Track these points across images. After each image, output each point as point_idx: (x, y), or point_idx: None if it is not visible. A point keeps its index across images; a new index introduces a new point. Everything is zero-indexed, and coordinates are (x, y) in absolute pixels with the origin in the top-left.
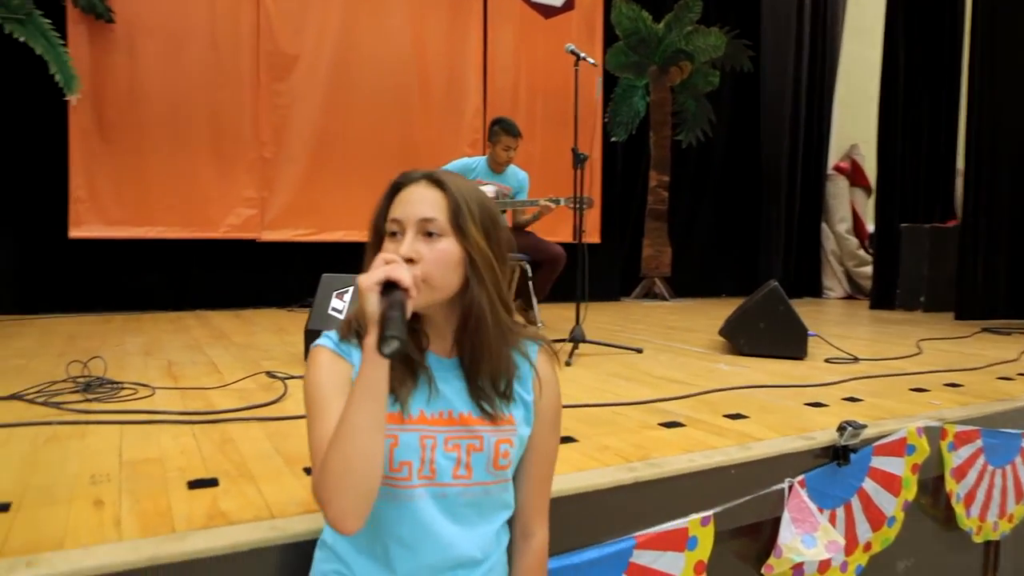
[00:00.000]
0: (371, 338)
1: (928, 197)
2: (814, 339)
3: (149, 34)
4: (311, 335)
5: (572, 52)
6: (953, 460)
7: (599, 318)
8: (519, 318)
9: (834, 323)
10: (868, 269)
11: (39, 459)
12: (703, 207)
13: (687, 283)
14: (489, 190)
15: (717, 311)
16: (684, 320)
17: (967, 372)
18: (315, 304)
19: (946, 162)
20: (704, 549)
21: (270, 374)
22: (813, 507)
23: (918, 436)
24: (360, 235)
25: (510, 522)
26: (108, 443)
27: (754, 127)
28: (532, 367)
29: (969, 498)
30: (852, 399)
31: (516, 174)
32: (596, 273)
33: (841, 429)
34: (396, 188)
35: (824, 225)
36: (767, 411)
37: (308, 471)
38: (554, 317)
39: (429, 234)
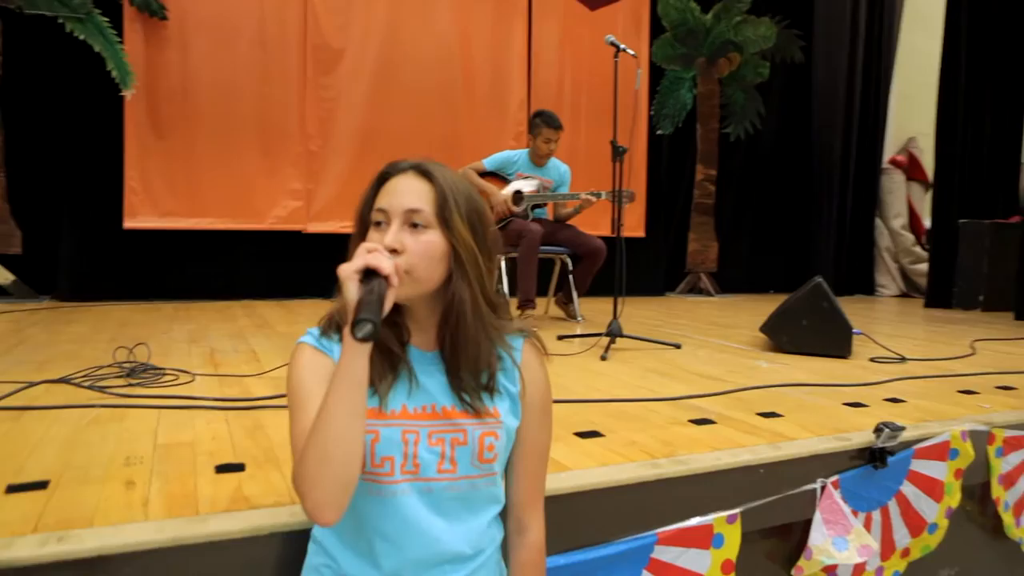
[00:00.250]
0: (348, 323)
1: (989, 192)
2: (860, 338)
3: (200, 30)
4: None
5: (612, 43)
6: (1001, 466)
7: (641, 313)
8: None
9: (885, 321)
10: (924, 266)
11: (80, 440)
12: (751, 201)
13: (734, 279)
14: (531, 183)
15: (763, 307)
16: (728, 316)
17: (1023, 375)
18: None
19: (1009, 156)
20: (731, 548)
21: None
22: (846, 509)
23: (962, 440)
24: None
25: (504, 518)
26: (145, 426)
27: (805, 120)
28: (518, 359)
29: (1019, 507)
30: (894, 400)
31: (558, 167)
32: (640, 268)
33: (878, 430)
34: (383, 177)
35: (878, 220)
36: (803, 410)
37: None
38: (595, 311)
39: (414, 225)
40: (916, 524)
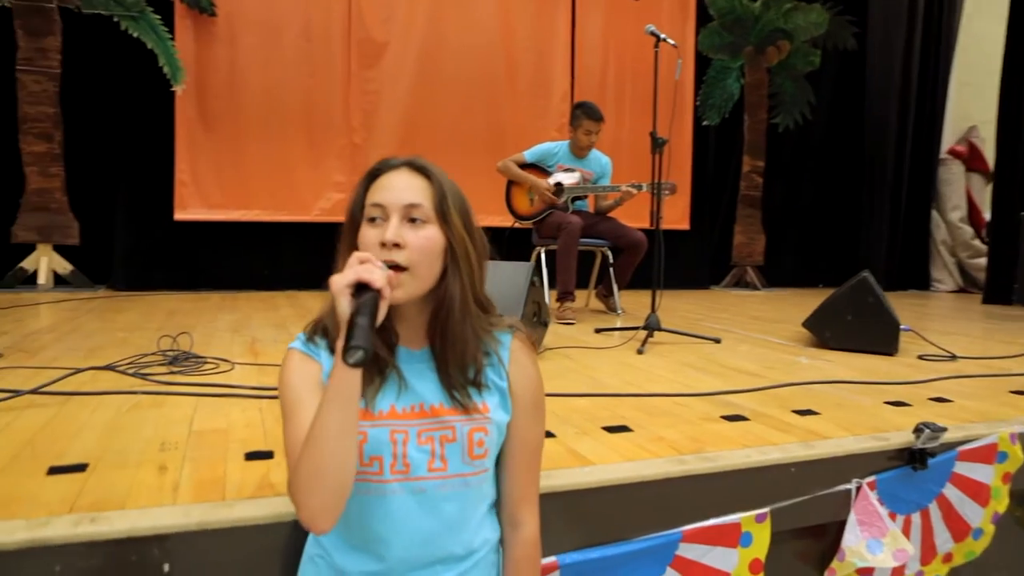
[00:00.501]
0: (340, 344)
1: None
2: (909, 335)
3: (248, 26)
4: None
5: (652, 33)
6: None
7: (683, 306)
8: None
9: (939, 317)
10: (983, 261)
11: (120, 425)
12: (800, 193)
13: (781, 272)
14: (571, 175)
15: (809, 302)
16: (772, 311)
17: None
18: None
19: None
20: (760, 547)
21: None
22: (882, 511)
23: (1011, 443)
24: None
25: (500, 515)
26: (182, 413)
27: (858, 109)
28: (505, 354)
29: None
30: (940, 399)
31: (599, 159)
32: (685, 261)
33: (918, 431)
34: (375, 174)
35: (935, 213)
36: (841, 408)
37: None
38: (636, 304)
39: (412, 220)
40: (959, 529)
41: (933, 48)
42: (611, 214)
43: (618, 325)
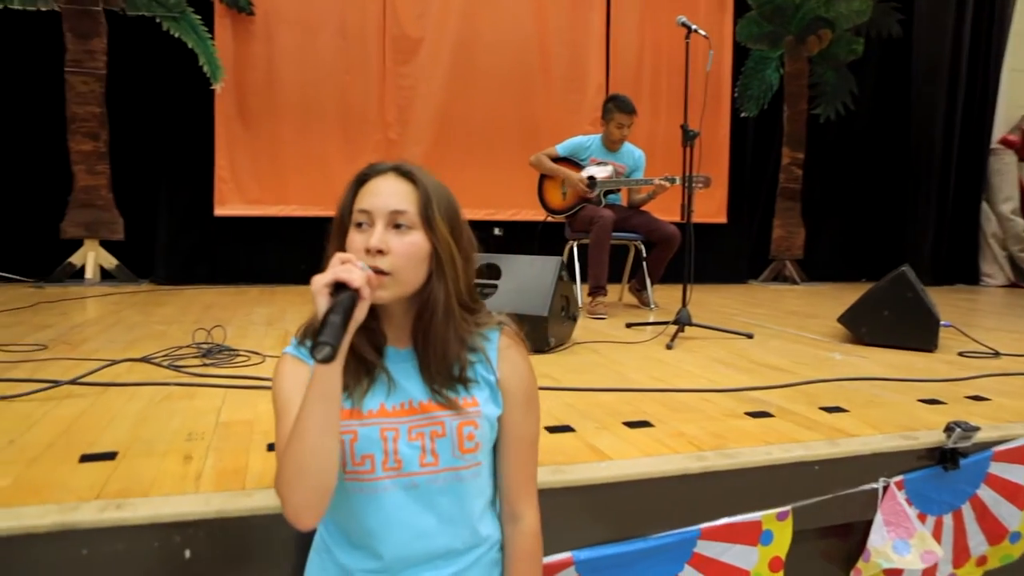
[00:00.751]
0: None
1: None
2: (950, 331)
3: (285, 25)
4: None
5: (683, 24)
6: None
7: (719, 301)
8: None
9: (986, 313)
10: None
11: (150, 415)
12: (842, 185)
13: (822, 266)
14: (604, 169)
15: (849, 297)
16: (810, 305)
17: None
18: None
19: None
20: (781, 545)
21: None
22: (910, 512)
23: None
24: (483, 213)
25: (499, 510)
26: (211, 404)
27: (903, 97)
28: (493, 349)
29: None
30: (977, 398)
31: (632, 152)
32: (722, 255)
33: (948, 430)
34: (362, 179)
35: (984, 204)
36: (872, 405)
37: None
38: (670, 298)
39: (398, 226)
40: (995, 531)
41: (984, 33)
42: (644, 208)
43: (650, 320)
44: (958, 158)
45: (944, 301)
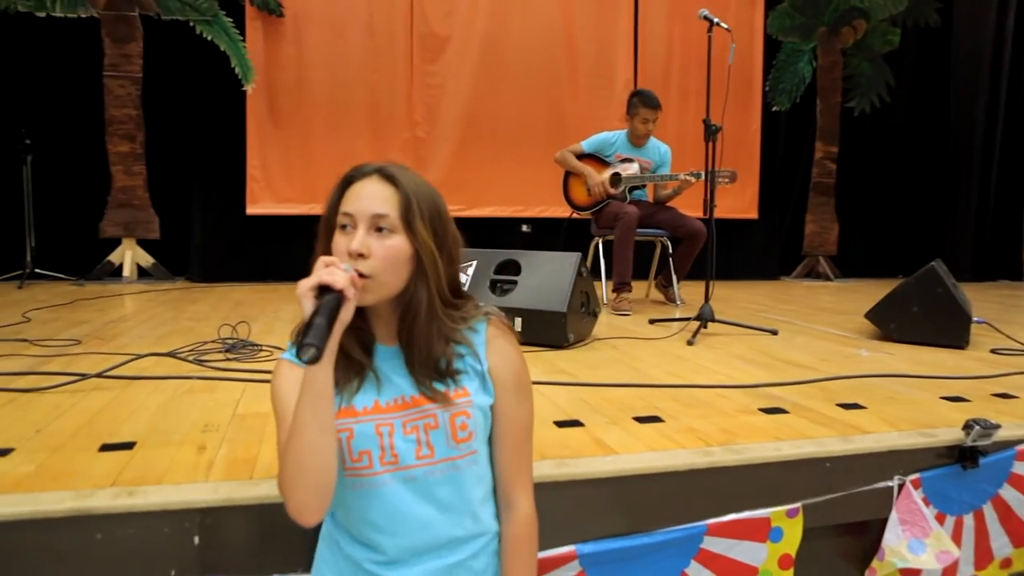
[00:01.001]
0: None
1: None
2: (984, 327)
3: (314, 25)
4: None
5: (705, 18)
6: None
7: (748, 297)
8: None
9: None
10: None
11: (171, 407)
12: (877, 180)
13: (857, 262)
14: (630, 165)
15: (882, 293)
16: (841, 302)
17: None
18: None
19: None
20: (791, 542)
21: None
22: (927, 511)
23: None
24: (511, 210)
25: (495, 498)
26: (230, 397)
27: (942, 89)
28: (481, 340)
29: None
30: (1005, 395)
31: (658, 147)
32: (753, 251)
33: (967, 427)
34: (348, 181)
35: None
36: (891, 402)
37: None
38: (697, 295)
39: (379, 229)
40: (1020, 533)
41: None
42: (670, 203)
43: (676, 316)
44: (1000, 151)
45: (983, 297)
